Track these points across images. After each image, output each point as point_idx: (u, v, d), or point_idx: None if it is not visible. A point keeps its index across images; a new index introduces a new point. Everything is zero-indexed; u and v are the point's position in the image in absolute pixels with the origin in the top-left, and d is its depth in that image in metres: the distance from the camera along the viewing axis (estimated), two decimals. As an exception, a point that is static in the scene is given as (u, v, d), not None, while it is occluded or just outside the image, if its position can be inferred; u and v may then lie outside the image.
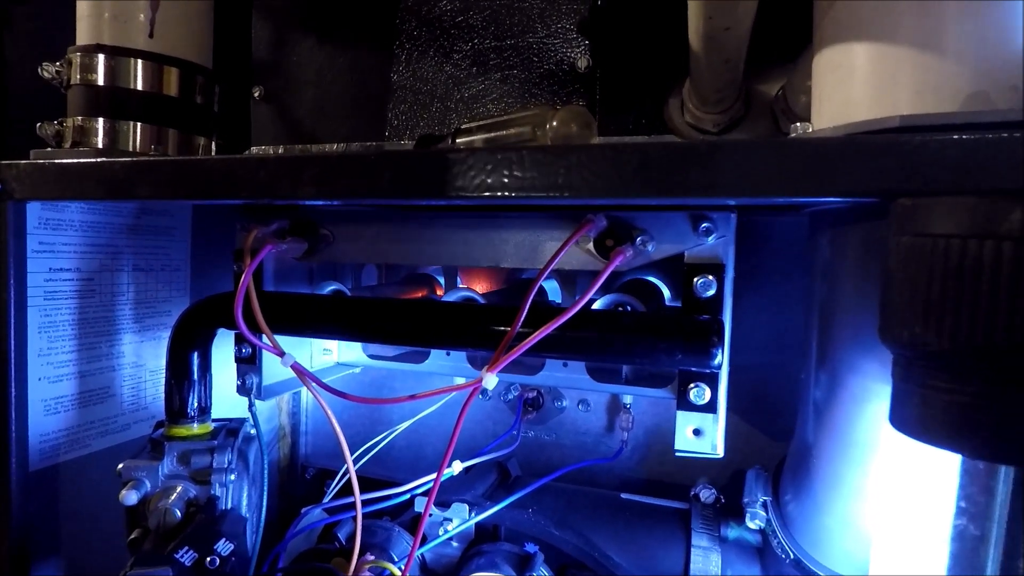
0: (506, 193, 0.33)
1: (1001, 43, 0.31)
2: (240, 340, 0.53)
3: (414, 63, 0.62)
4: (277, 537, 0.56)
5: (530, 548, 0.52)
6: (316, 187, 0.37)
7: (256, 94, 0.67)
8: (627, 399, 0.64)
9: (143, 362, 0.63)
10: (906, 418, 0.26)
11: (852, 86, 0.33)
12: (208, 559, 0.44)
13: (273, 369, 0.54)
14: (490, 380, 0.38)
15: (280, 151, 0.67)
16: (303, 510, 0.58)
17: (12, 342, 0.49)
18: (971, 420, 0.23)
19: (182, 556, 0.44)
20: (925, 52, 0.31)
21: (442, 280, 0.70)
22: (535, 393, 0.68)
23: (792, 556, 0.42)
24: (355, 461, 0.56)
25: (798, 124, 0.34)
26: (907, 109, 0.31)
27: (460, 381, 0.44)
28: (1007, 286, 0.22)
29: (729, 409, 0.45)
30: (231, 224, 0.53)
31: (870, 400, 0.33)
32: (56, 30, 0.62)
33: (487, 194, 0.34)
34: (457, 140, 0.46)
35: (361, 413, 0.76)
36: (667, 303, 0.61)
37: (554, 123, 0.40)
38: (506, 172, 0.33)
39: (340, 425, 0.46)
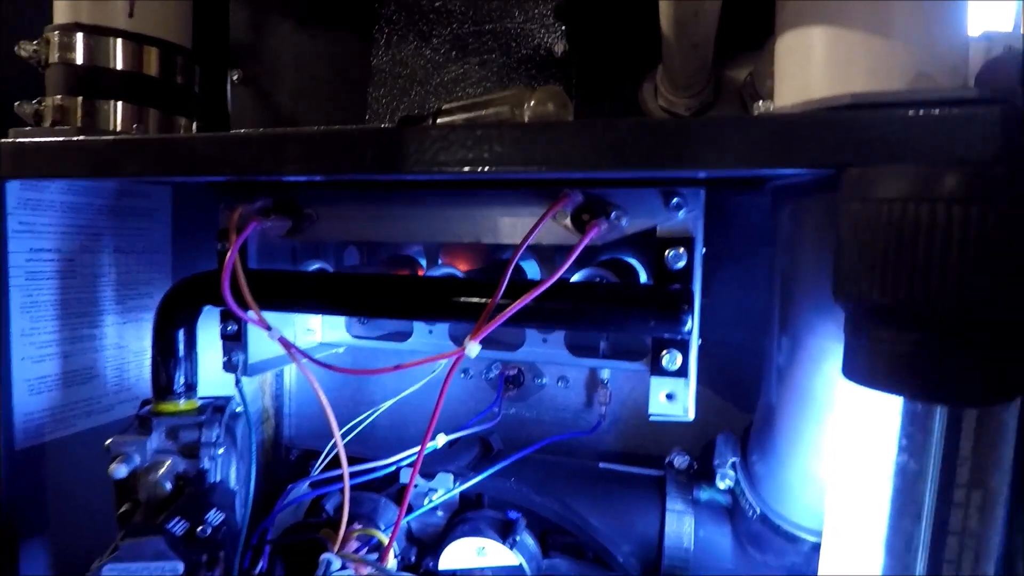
0: (487, 168, 0.35)
1: (945, 27, 0.33)
2: (226, 318, 0.54)
3: (394, 47, 0.63)
4: (263, 517, 0.57)
5: (512, 515, 0.54)
6: (301, 163, 0.39)
7: (234, 77, 0.67)
8: (605, 374, 0.67)
9: (125, 343, 0.63)
10: (856, 369, 0.29)
11: (810, 68, 0.35)
12: (199, 528, 0.45)
13: (259, 346, 0.55)
14: (473, 348, 0.40)
15: (260, 134, 0.67)
16: (289, 486, 0.59)
17: (-5, 321, 0.49)
18: (911, 366, 0.26)
19: (173, 526, 0.45)
20: (876, 36, 0.33)
21: (423, 262, 0.71)
22: (516, 371, 0.70)
23: (758, 512, 0.45)
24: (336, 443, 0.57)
25: (760, 102, 0.36)
26: (860, 88, 0.33)
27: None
28: (941, 244, 0.25)
29: (702, 383, 0.47)
30: (211, 207, 0.54)
31: (826, 359, 0.35)
32: (27, 7, 0.61)
33: (467, 169, 0.35)
34: (438, 120, 0.47)
35: (345, 394, 0.77)
36: (642, 283, 0.64)
37: (532, 103, 0.42)
38: (487, 147, 0.35)
39: (328, 403, 0.47)
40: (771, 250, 0.43)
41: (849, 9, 0.33)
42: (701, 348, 0.46)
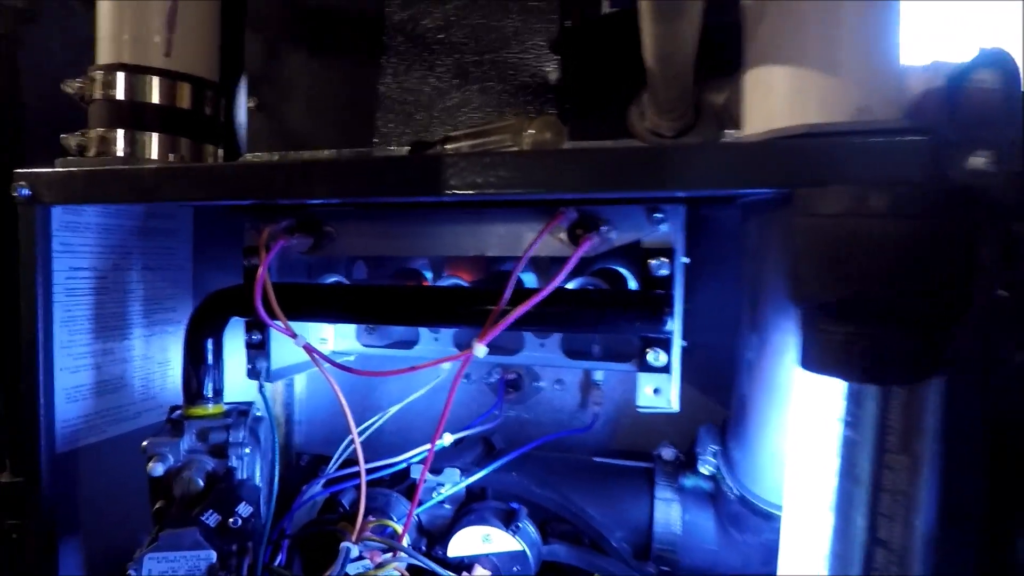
0: (494, 190, 0.40)
1: (883, 69, 0.39)
2: (251, 328, 0.58)
3: (400, 76, 0.68)
4: (278, 518, 0.61)
5: (515, 506, 0.59)
6: (328, 187, 0.44)
7: (251, 105, 0.72)
8: (598, 376, 0.71)
9: (151, 355, 0.67)
10: (808, 358, 0.34)
11: (772, 101, 0.41)
12: (230, 520, 0.50)
13: (280, 354, 0.60)
14: (480, 350, 0.45)
15: (275, 158, 0.73)
16: (304, 486, 0.63)
17: (40, 336, 0.53)
18: (849, 352, 0.31)
19: (207, 518, 0.49)
20: (826, 75, 0.39)
21: (429, 275, 0.76)
22: (515, 375, 0.75)
23: (736, 494, 0.50)
24: (348, 446, 0.62)
25: (728, 131, 0.42)
26: (814, 119, 0.39)
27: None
28: (871, 253, 0.30)
29: (689, 383, 0.52)
30: (228, 226, 0.58)
31: (788, 352, 0.41)
32: (62, 47, 0.66)
33: (477, 191, 0.41)
34: (446, 147, 0.53)
35: (354, 399, 0.81)
36: (630, 289, 0.69)
37: (531, 131, 0.47)
38: (493, 173, 0.40)
39: (335, 411, 0.52)
40: (741, 258, 0.49)
41: (804, 50, 0.39)
42: (687, 350, 0.51)
